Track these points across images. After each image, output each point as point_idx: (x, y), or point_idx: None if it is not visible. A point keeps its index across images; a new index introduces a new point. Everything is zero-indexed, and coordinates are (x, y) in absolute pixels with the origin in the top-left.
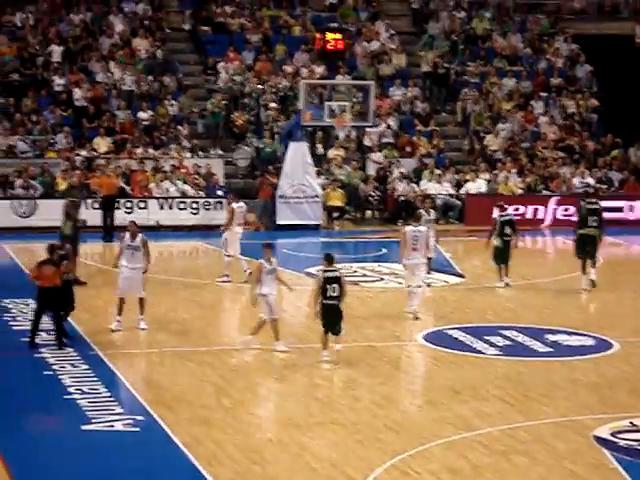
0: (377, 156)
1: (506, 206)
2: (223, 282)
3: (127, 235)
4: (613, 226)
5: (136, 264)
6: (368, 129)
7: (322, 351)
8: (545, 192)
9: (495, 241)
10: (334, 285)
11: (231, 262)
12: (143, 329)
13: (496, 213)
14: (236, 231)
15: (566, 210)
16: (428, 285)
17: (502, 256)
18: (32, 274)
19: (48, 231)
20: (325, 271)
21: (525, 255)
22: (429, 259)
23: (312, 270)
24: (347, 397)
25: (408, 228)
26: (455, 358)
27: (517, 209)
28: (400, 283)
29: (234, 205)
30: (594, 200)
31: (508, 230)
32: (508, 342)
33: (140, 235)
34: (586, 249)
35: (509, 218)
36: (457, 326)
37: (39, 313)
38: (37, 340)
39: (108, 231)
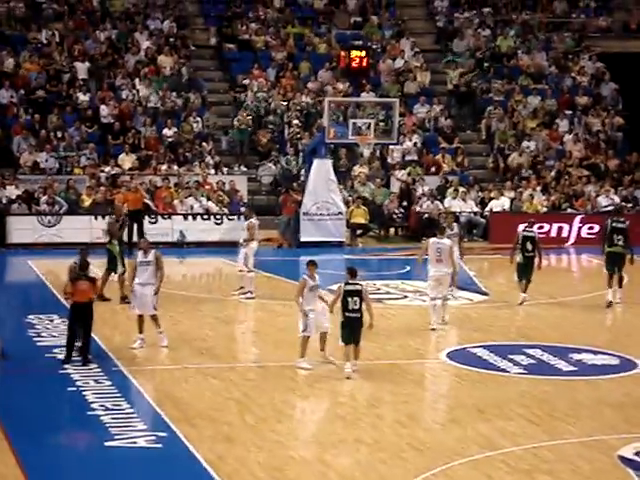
0: (401, 174)
1: (533, 221)
2: (247, 298)
3: (140, 252)
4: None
5: (148, 280)
6: (392, 146)
7: (345, 363)
8: (570, 210)
9: (517, 257)
10: (355, 298)
11: (254, 277)
12: (165, 346)
13: (520, 228)
14: (252, 246)
15: (590, 229)
16: (455, 298)
17: (523, 272)
18: (66, 290)
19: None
20: (347, 284)
21: (550, 273)
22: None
23: (335, 287)
24: (370, 415)
25: (431, 240)
26: (479, 376)
27: (541, 227)
28: (424, 301)
29: (253, 220)
30: (621, 219)
31: (529, 246)
32: (532, 361)
33: (153, 251)
34: (614, 267)
35: (531, 234)
36: (481, 344)
37: (73, 328)
38: (62, 356)
39: (133, 246)
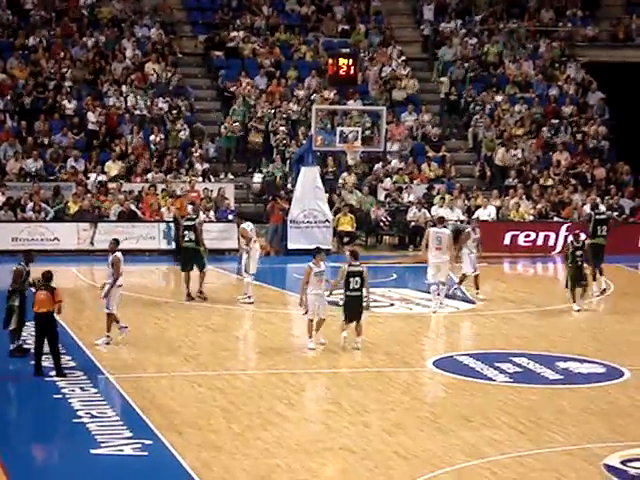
0: (387, 182)
1: (578, 232)
2: (245, 302)
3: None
4: (625, 253)
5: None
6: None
7: (342, 333)
8: (556, 219)
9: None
10: (357, 278)
11: (251, 282)
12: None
13: (570, 239)
14: (256, 248)
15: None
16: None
17: (574, 280)
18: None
19: (59, 254)
20: (350, 265)
21: (536, 282)
22: (464, 275)
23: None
24: (357, 423)
25: (432, 229)
26: (465, 385)
27: (528, 236)
28: (410, 309)
29: (244, 226)
30: (602, 210)
31: (579, 252)
32: (518, 369)
33: (112, 255)
34: (598, 257)
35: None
36: (467, 352)
37: (38, 339)
38: (48, 363)
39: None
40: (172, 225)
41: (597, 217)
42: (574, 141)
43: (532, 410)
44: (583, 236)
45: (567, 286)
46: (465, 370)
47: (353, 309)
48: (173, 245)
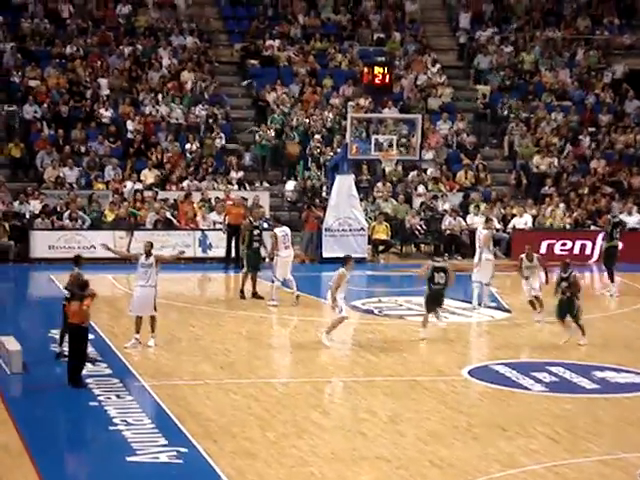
0: (422, 190)
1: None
2: (270, 305)
3: (142, 256)
4: None
5: (150, 282)
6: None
7: (421, 329)
8: (593, 227)
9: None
10: (441, 274)
11: (278, 286)
12: (150, 346)
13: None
14: (283, 255)
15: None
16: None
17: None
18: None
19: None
20: (434, 261)
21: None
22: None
23: (357, 303)
24: (392, 432)
25: (488, 232)
26: (501, 394)
27: (564, 244)
28: (446, 317)
29: (276, 230)
30: (617, 214)
31: (564, 284)
32: (555, 378)
33: (154, 254)
34: (613, 260)
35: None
36: (503, 361)
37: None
38: (84, 371)
39: (232, 261)
40: (225, 231)
41: (614, 220)
42: (611, 149)
43: (568, 419)
44: (571, 268)
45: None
46: (501, 379)
47: (435, 301)
48: (212, 253)
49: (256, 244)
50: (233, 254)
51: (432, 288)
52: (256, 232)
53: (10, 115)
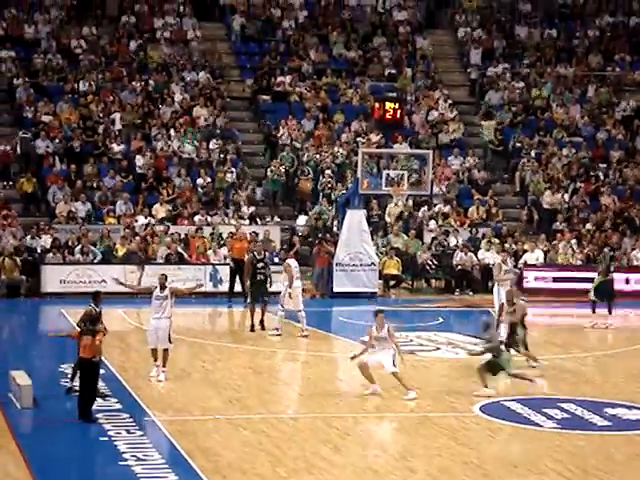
0: (434, 225)
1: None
2: (274, 335)
3: (157, 288)
4: None
5: (163, 314)
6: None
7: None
8: None
9: None
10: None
11: (283, 317)
12: (160, 381)
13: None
14: (296, 285)
15: (627, 282)
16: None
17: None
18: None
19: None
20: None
21: (584, 326)
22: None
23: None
24: (403, 468)
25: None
26: (512, 430)
27: (575, 279)
28: (457, 353)
29: (289, 261)
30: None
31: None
32: (566, 415)
33: (168, 286)
34: (613, 293)
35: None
36: (515, 398)
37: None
38: (94, 406)
39: (234, 295)
40: (230, 265)
41: (610, 254)
42: (622, 185)
43: (580, 457)
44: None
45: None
46: (512, 416)
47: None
48: (222, 287)
49: (260, 276)
50: (238, 288)
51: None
52: (260, 265)
53: (24, 142)
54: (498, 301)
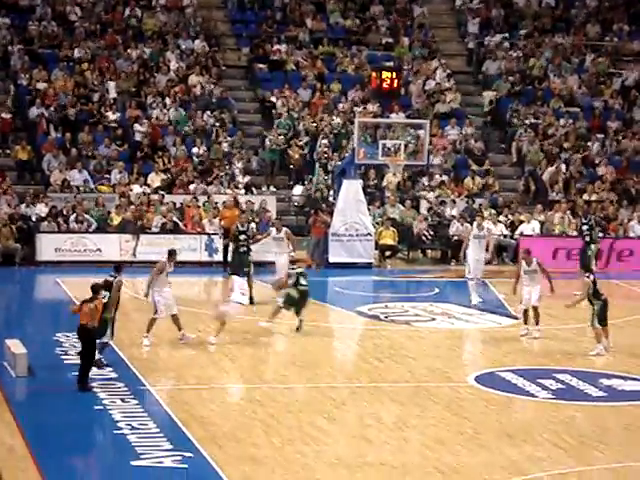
0: (429, 195)
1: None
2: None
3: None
4: None
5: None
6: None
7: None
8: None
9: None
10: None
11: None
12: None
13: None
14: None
15: (622, 253)
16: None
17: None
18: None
19: (101, 265)
20: (588, 277)
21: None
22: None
23: (364, 309)
24: (397, 438)
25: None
26: (507, 401)
27: (572, 251)
28: (452, 323)
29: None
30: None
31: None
32: (561, 385)
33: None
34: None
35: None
36: (509, 368)
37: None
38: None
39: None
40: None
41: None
42: (619, 155)
43: (575, 427)
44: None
45: None
46: (507, 386)
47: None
48: (218, 257)
49: (242, 248)
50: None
51: (602, 299)
52: (242, 237)
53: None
54: (472, 261)
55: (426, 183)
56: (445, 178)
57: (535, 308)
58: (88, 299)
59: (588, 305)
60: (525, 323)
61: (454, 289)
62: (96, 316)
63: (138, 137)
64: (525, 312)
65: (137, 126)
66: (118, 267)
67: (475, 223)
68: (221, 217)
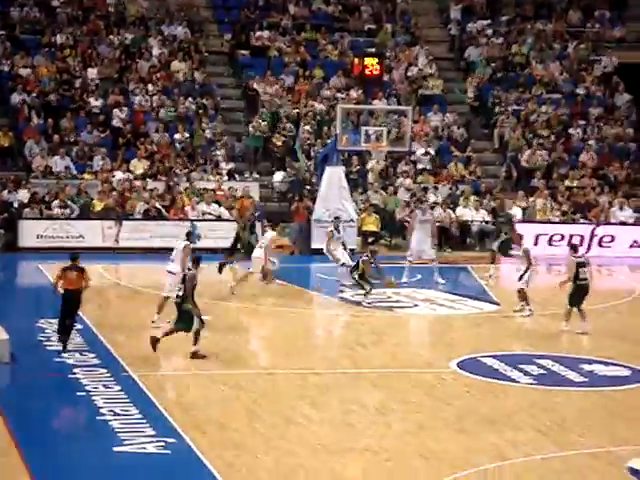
0: (409, 182)
1: (579, 246)
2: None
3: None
4: None
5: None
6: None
7: (564, 322)
8: (583, 220)
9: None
10: (584, 269)
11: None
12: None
13: (570, 255)
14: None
15: (603, 239)
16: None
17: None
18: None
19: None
20: (576, 257)
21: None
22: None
23: (346, 295)
24: (379, 423)
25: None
26: (489, 386)
27: (554, 237)
28: (434, 309)
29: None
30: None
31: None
32: (543, 371)
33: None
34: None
35: (583, 260)
36: (491, 354)
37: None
38: (71, 361)
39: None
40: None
41: (577, 261)
42: (601, 142)
43: (556, 412)
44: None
45: None
46: (489, 372)
47: (579, 296)
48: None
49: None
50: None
51: (577, 284)
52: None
53: None
54: (415, 244)
55: (407, 169)
56: (427, 165)
57: (520, 290)
58: (68, 267)
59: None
60: (522, 301)
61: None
62: (80, 282)
63: (119, 124)
64: (520, 291)
65: (117, 111)
66: (196, 260)
67: (420, 209)
68: (238, 206)
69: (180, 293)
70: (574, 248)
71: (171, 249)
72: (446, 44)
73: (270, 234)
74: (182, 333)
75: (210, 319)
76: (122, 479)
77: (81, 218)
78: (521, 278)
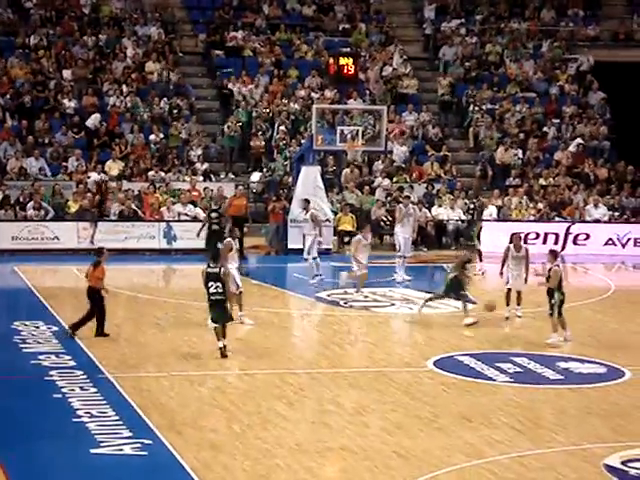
0: (385, 182)
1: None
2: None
3: None
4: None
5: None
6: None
7: (560, 334)
8: (558, 219)
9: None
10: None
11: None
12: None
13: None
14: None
15: (579, 237)
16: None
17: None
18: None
19: (59, 253)
20: (557, 266)
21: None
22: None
23: (323, 294)
24: (357, 423)
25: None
26: (466, 385)
27: (529, 235)
28: (411, 308)
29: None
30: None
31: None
32: (519, 369)
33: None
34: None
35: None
36: (468, 352)
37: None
38: (47, 363)
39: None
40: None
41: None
42: (575, 140)
43: (532, 410)
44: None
45: None
46: (465, 370)
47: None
48: (176, 244)
49: (214, 227)
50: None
51: (563, 292)
52: (214, 215)
53: None
54: (402, 240)
55: (382, 168)
56: (403, 164)
57: (520, 292)
58: (94, 263)
59: (547, 294)
60: (507, 305)
61: (412, 274)
62: (100, 281)
63: (93, 125)
64: (509, 292)
65: (92, 116)
66: (214, 257)
67: (401, 205)
68: (229, 205)
69: (220, 290)
70: (554, 255)
71: (147, 250)
72: (420, 43)
73: (356, 238)
74: (156, 334)
75: (197, 320)
76: None
77: (56, 220)
78: (526, 281)
